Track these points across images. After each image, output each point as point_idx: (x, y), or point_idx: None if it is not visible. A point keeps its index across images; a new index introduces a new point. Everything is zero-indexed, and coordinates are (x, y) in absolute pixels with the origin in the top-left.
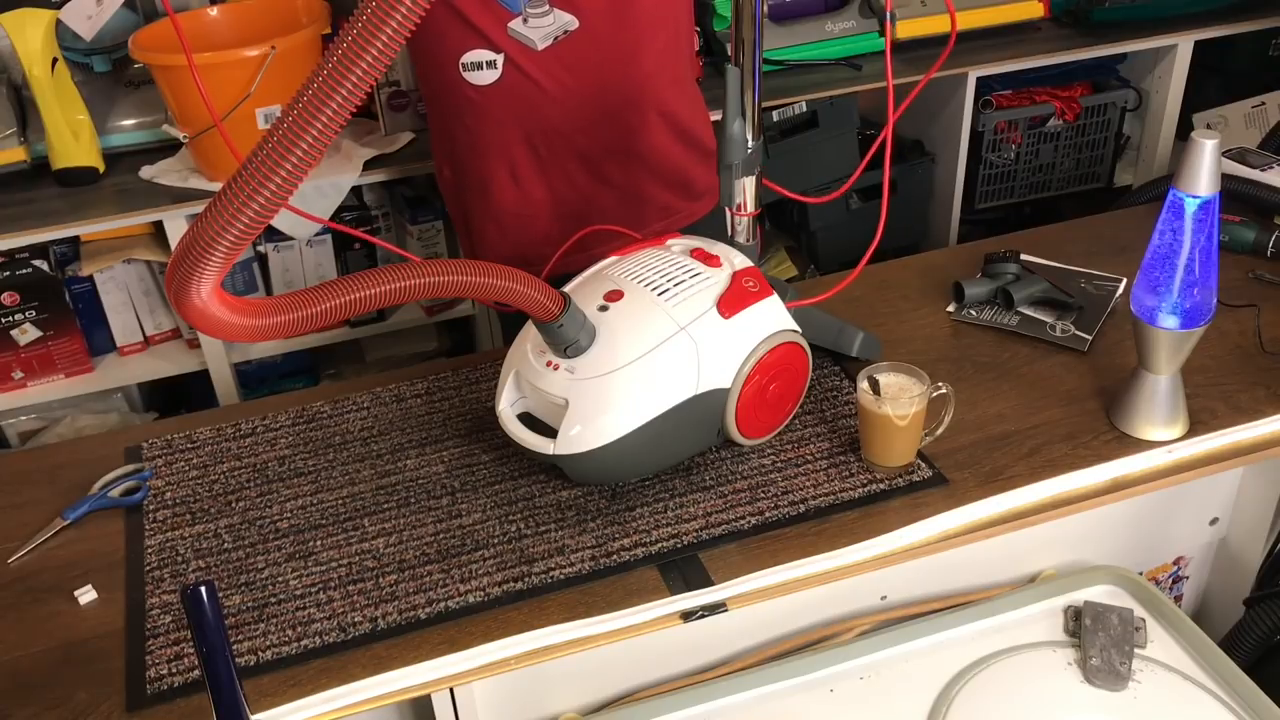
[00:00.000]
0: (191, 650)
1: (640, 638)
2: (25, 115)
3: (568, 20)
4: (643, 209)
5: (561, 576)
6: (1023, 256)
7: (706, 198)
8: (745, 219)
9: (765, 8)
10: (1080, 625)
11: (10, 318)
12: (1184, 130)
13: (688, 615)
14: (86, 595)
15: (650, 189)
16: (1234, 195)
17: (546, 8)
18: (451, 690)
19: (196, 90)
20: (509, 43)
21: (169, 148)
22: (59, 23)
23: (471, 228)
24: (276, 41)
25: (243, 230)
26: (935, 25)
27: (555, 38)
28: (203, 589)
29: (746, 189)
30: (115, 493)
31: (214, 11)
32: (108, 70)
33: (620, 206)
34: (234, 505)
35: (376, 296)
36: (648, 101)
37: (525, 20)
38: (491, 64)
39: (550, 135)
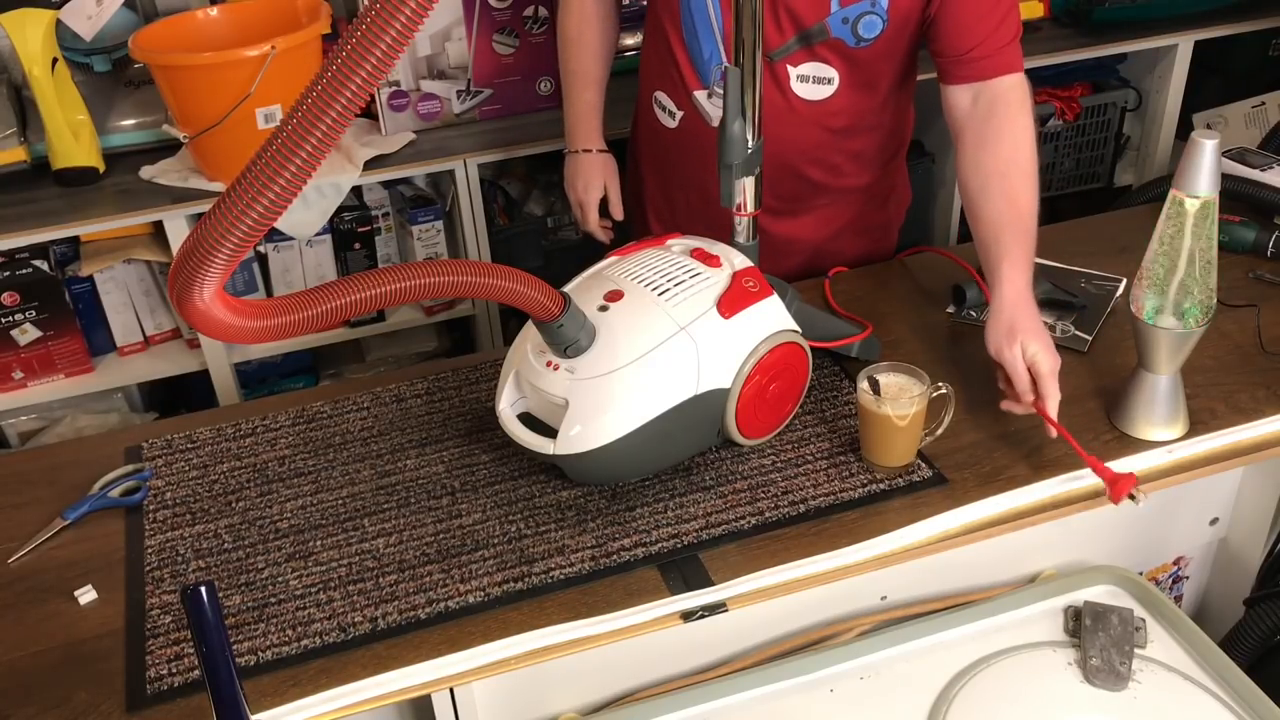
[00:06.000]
0: (191, 650)
1: (640, 638)
2: (25, 115)
3: None
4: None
5: (561, 576)
6: None
7: None
8: (745, 219)
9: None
10: (1080, 625)
11: (10, 318)
12: (1184, 130)
13: (688, 615)
14: (86, 595)
15: None
16: (1234, 195)
17: None
18: (451, 690)
19: (196, 90)
20: (690, 107)
21: (169, 148)
22: (59, 23)
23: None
24: (276, 41)
25: (245, 235)
26: None
27: None
28: (203, 589)
29: (746, 189)
30: (115, 493)
31: (214, 11)
32: (108, 70)
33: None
34: (234, 505)
35: (378, 297)
36: None
37: (710, 96)
38: (671, 114)
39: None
